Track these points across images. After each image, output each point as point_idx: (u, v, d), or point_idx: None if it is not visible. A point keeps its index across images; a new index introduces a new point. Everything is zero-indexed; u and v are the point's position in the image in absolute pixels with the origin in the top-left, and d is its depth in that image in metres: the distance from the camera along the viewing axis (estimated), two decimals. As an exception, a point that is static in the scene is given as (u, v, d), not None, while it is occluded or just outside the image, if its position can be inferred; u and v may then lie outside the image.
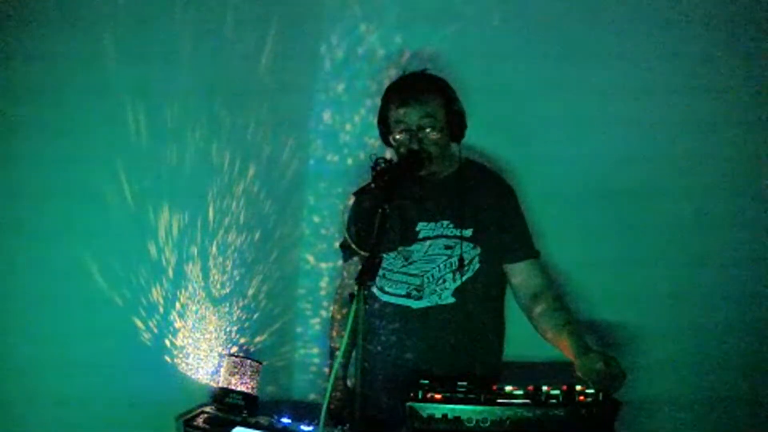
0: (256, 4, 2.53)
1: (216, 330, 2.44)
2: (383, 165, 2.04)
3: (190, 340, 2.34)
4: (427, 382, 1.98)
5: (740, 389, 2.48)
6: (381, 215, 1.91)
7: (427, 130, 2.21)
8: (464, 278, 2.24)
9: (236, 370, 2.34)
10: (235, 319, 2.51)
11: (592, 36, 2.53)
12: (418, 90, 2.23)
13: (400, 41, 2.73)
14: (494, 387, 1.97)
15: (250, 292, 2.58)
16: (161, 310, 2.22)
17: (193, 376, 2.35)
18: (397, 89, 2.27)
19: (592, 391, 1.90)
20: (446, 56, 2.61)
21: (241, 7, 2.42)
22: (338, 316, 2.49)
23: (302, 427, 2.11)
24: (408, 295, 2.26)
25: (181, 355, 2.31)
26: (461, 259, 2.22)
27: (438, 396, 1.91)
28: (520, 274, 2.28)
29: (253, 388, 2.35)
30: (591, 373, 1.94)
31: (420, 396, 1.92)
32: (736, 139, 2.46)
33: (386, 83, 2.44)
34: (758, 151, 2.45)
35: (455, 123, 2.26)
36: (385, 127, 2.30)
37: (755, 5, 2.41)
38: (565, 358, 2.07)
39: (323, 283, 2.83)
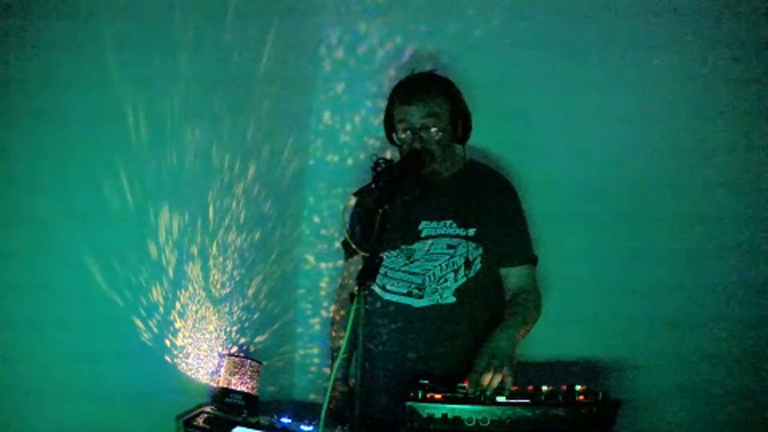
0: (256, 3, 2.53)
1: (216, 330, 2.44)
2: (383, 165, 2.03)
3: (191, 340, 2.34)
4: (427, 382, 1.98)
5: (740, 385, 2.47)
6: (381, 216, 1.91)
7: (432, 129, 2.21)
8: (465, 278, 2.24)
9: (236, 370, 2.34)
10: (235, 319, 2.51)
11: (592, 31, 2.53)
12: (423, 89, 2.23)
13: (400, 41, 2.73)
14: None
15: (250, 292, 2.58)
16: (161, 310, 2.22)
17: (193, 376, 2.35)
18: (403, 88, 2.27)
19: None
20: (446, 56, 2.61)
21: (241, 7, 2.42)
22: (337, 317, 2.49)
23: (302, 427, 2.11)
24: (409, 294, 2.26)
25: (181, 355, 2.31)
26: (467, 258, 2.23)
27: (438, 396, 1.91)
28: (512, 277, 2.30)
29: (253, 388, 2.34)
30: (477, 361, 2.03)
31: (420, 396, 1.92)
32: (741, 132, 2.46)
33: (386, 83, 2.43)
34: (760, 143, 2.44)
35: (459, 124, 2.26)
36: (389, 125, 2.30)
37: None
38: (565, 358, 2.07)
39: (323, 283, 2.83)
